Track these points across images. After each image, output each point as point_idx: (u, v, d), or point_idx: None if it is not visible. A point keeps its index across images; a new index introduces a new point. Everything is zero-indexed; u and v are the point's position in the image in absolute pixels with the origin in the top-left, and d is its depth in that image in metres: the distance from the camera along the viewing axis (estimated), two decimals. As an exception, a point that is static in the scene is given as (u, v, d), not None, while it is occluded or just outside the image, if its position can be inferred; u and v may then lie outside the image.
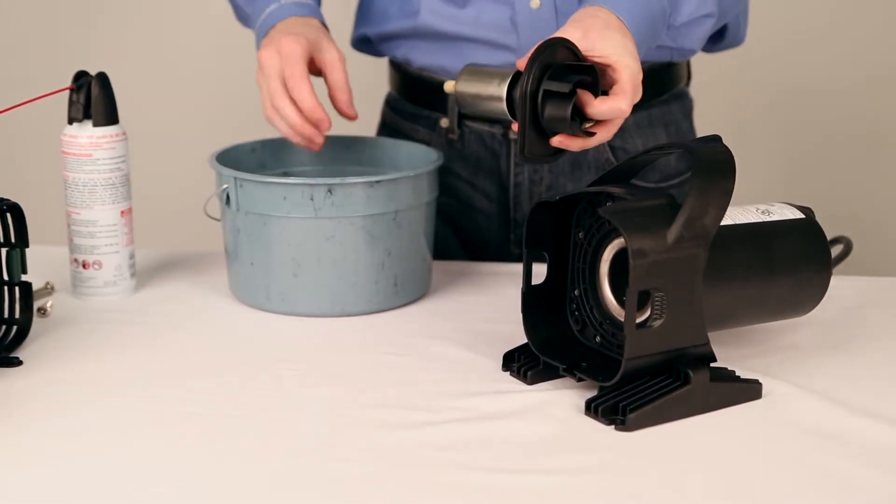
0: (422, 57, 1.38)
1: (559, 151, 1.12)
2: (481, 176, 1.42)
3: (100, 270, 1.26)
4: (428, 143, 1.40)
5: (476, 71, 1.16)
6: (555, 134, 1.10)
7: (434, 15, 1.34)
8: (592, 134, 1.11)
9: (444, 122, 1.40)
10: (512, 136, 1.38)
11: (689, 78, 1.46)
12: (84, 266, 1.26)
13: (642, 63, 1.11)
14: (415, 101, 1.43)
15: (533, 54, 1.08)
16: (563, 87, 1.07)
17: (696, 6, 1.26)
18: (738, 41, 1.42)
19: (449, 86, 1.18)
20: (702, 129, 1.20)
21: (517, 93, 1.09)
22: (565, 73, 1.09)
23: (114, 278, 1.26)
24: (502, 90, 1.12)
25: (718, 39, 1.40)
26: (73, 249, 1.26)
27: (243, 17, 1.42)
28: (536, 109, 1.08)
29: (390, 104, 1.49)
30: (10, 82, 2.22)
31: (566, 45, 1.09)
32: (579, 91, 1.09)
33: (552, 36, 1.10)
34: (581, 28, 1.11)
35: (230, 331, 1.19)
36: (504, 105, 1.12)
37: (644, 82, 1.13)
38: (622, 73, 1.10)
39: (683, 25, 1.27)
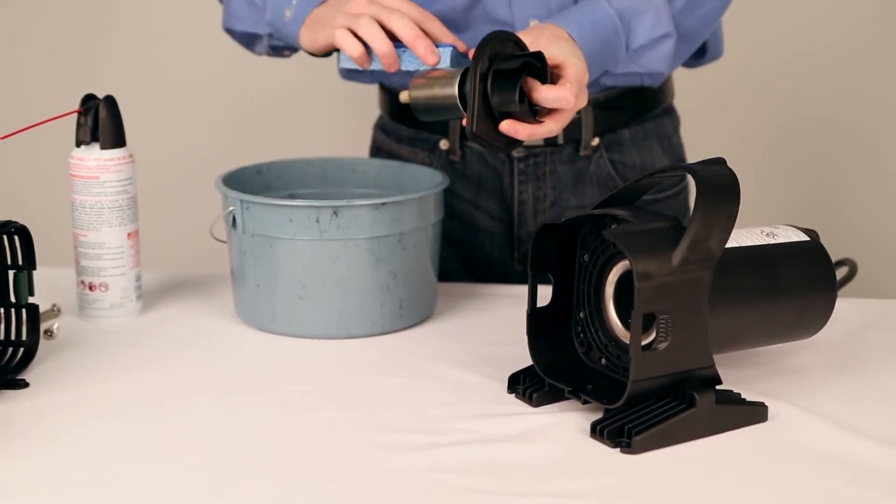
0: None
1: (513, 142, 1.13)
2: (484, 195, 1.42)
3: (106, 292, 1.26)
4: (429, 166, 1.40)
5: (426, 76, 1.17)
6: (505, 118, 1.11)
7: None
8: (541, 121, 1.13)
9: (444, 144, 1.41)
10: (516, 153, 1.39)
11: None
12: (90, 288, 1.26)
13: (616, 88, 1.13)
14: (411, 125, 1.43)
15: (483, 40, 1.10)
16: (512, 64, 1.10)
17: (651, 27, 1.28)
18: (717, 55, 1.45)
19: (404, 96, 1.19)
20: (711, 151, 1.20)
21: (468, 75, 1.11)
22: (514, 59, 1.12)
23: (120, 300, 1.27)
24: (454, 88, 1.14)
25: (700, 55, 1.43)
26: (80, 271, 1.27)
27: (252, 39, 1.37)
28: (487, 91, 1.10)
29: (383, 129, 1.49)
30: (18, 106, 2.23)
31: (514, 39, 1.13)
32: (527, 78, 1.12)
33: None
34: (532, 35, 1.16)
35: (236, 353, 1.19)
36: (458, 101, 1.13)
37: (632, 99, 1.12)
38: (569, 69, 1.14)
39: (643, 48, 1.29)
